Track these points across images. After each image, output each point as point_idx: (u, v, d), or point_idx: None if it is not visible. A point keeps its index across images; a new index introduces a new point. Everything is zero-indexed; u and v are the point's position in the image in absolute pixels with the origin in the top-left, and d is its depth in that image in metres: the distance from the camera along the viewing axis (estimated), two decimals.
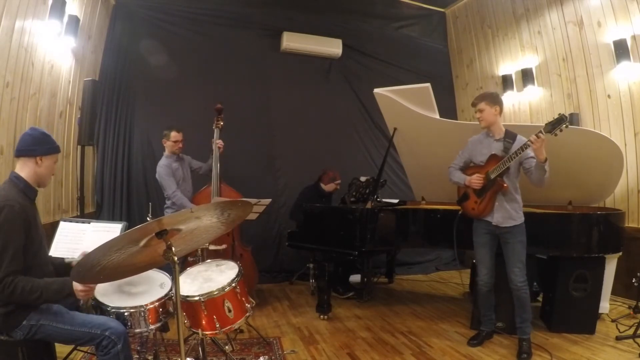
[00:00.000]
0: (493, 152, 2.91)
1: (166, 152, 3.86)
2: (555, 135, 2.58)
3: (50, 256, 2.16)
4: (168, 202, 3.78)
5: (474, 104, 2.96)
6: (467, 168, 3.11)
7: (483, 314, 3.19)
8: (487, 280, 3.05)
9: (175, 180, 3.81)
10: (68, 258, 2.16)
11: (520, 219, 2.91)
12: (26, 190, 1.87)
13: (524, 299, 2.90)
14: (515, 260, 2.89)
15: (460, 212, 3.25)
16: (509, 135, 2.90)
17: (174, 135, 3.78)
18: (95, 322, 1.83)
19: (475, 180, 2.93)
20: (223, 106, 3.80)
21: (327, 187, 4.60)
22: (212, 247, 3.08)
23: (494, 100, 2.90)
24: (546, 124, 2.60)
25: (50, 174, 1.98)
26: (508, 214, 2.89)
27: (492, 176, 2.85)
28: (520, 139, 2.85)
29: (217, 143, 3.78)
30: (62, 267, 2.08)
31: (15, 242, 1.74)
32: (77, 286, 1.78)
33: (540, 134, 2.58)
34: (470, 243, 3.15)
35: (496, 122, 2.93)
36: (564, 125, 2.55)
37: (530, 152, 2.73)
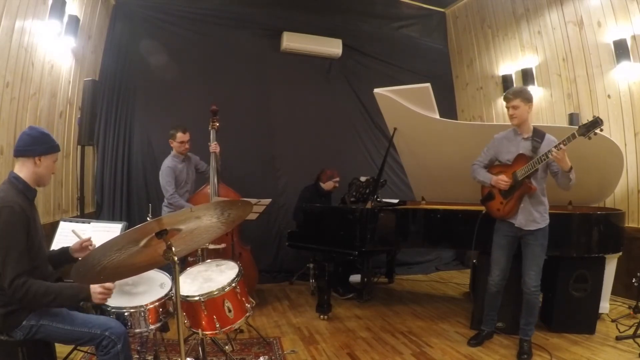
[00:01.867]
0: (521, 152, 2.84)
1: (173, 152, 3.85)
2: (589, 138, 2.51)
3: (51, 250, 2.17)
4: (166, 201, 3.78)
5: (508, 99, 2.83)
6: (492, 166, 3.03)
7: (486, 314, 3.18)
8: (498, 282, 3.03)
9: (179, 181, 3.81)
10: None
11: (544, 222, 2.85)
12: (25, 191, 1.86)
13: (533, 303, 2.89)
14: (532, 263, 2.85)
15: (483, 212, 3.16)
16: (538, 134, 2.83)
17: (180, 136, 3.76)
18: (95, 322, 1.83)
19: (503, 181, 2.85)
20: (218, 107, 3.80)
21: (326, 186, 4.60)
22: (211, 246, 3.09)
23: (529, 98, 2.83)
24: (580, 127, 2.54)
25: (50, 173, 1.96)
26: (532, 216, 2.83)
27: (520, 177, 2.78)
28: (549, 138, 2.80)
29: (212, 146, 3.74)
30: (64, 255, 2.08)
31: (19, 243, 1.72)
32: (95, 289, 1.78)
33: (560, 146, 2.54)
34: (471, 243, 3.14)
35: (527, 120, 2.87)
36: (599, 129, 2.49)
37: None
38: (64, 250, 2.11)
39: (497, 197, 2.97)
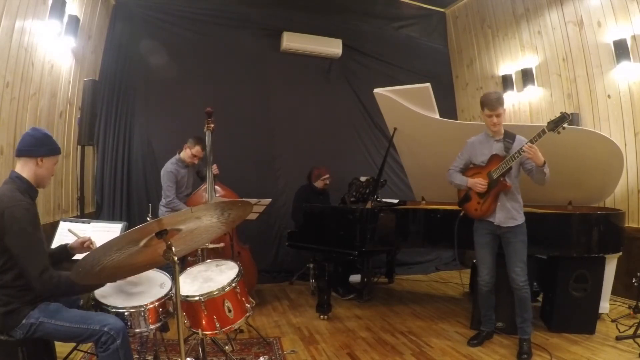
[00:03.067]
0: (494, 152, 2.91)
1: (179, 156, 3.85)
2: (558, 133, 2.60)
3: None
4: (164, 201, 3.78)
5: (494, 107, 2.80)
6: (468, 169, 3.10)
7: (483, 314, 3.19)
8: (488, 280, 3.04)
9: (179, 185, 3.81)
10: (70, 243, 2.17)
11: (521, 219, 2.92)
12: (29, 191, 1.87)
13: (525, 299, 2.90)
14: (516, 260, 2.89)
15: (461, 213, 3.22)
16: (509, 136, 2.91)
17: (197, 150, 3.78)
18: (94, 319, 1.83)
19: (479, 183, 2.91)
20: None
21: (317, 184, 4.66)
22: (210, 246, 3.08)
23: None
24: (548, 122, 2.62)
25: (50, 175, 1.98)
26: (510, 214, 2.89)
27: (495, 176, 2.85)
28: (520, 138, 2.86)
29: (214, 168, 3.71)
30: (63, 253, 2.12)
31: (38, 239, 1.79)
32: None
33: (530, 144, 2.63)
34: (470, 243, 3.15)
35: None
36: (567, 123, 2.58)
37: None
38: (63, 248, 2.13)
39: (473, 198, 3.02)
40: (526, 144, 2.66)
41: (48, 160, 1.92)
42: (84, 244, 2.11)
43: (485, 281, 3.05)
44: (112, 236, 1.57)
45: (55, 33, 3.41)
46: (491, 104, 2.82)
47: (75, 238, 2.16)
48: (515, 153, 2.74)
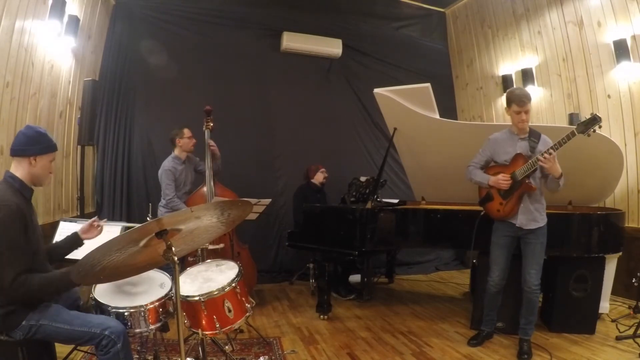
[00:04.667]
0: (518, 152, 2.82)
1: (175, 153, 3.82)
2: (589, 135, 2.52)
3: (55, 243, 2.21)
4: (163, 202, 3.78)
5: (523, 103, 2.72)
6: (489, 167, 3.00)
7: (486, 314, 3.18)
8: (498, 282, 3.01)
9: (178, 183, 3.79)
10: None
11: (543, 221, 2.85)
12: (22, 190, 1.85)
13: (534, 302, 2.88)
14: (533, 262, 2.84)
15: (482, 213, 3.12)
16: (534, 134, 2.83)
17: (186, 132, 3.79)
18: (94, 322, 1.82)
19: (503, 180, 2.81)
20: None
21: (317, 179, 4.68)
22: (210, 247, 3.08)
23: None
24: (578, 124, 2.54)
25: (47, 173, 1.94)
26: (532, 216, 2.83)
27: (519, 177, 2.76)
28: (545, 139, 2.80)
29: (209, 143, 3.73)
30: (72, 240, 2.13)
31: (18, 242, 1.73)
32: None
33: (550, 151, 2.57)
34: (478, 243, 3.13)
35: None
36: (598, 126, 2.50)
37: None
38: (72, 236, 2.13)
39: (496, 198, 2.94)
40: (552, 146, 2.57)
41: (42, 158, 1.88)
42: (92, 224, 2.13)
43: (495, 282, 3.02)
44: (112, 236, 1.57)
45: (55, 33, 3.41)
46: (520, 99, 2.74)
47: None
48: (535, 158, 2.68)
